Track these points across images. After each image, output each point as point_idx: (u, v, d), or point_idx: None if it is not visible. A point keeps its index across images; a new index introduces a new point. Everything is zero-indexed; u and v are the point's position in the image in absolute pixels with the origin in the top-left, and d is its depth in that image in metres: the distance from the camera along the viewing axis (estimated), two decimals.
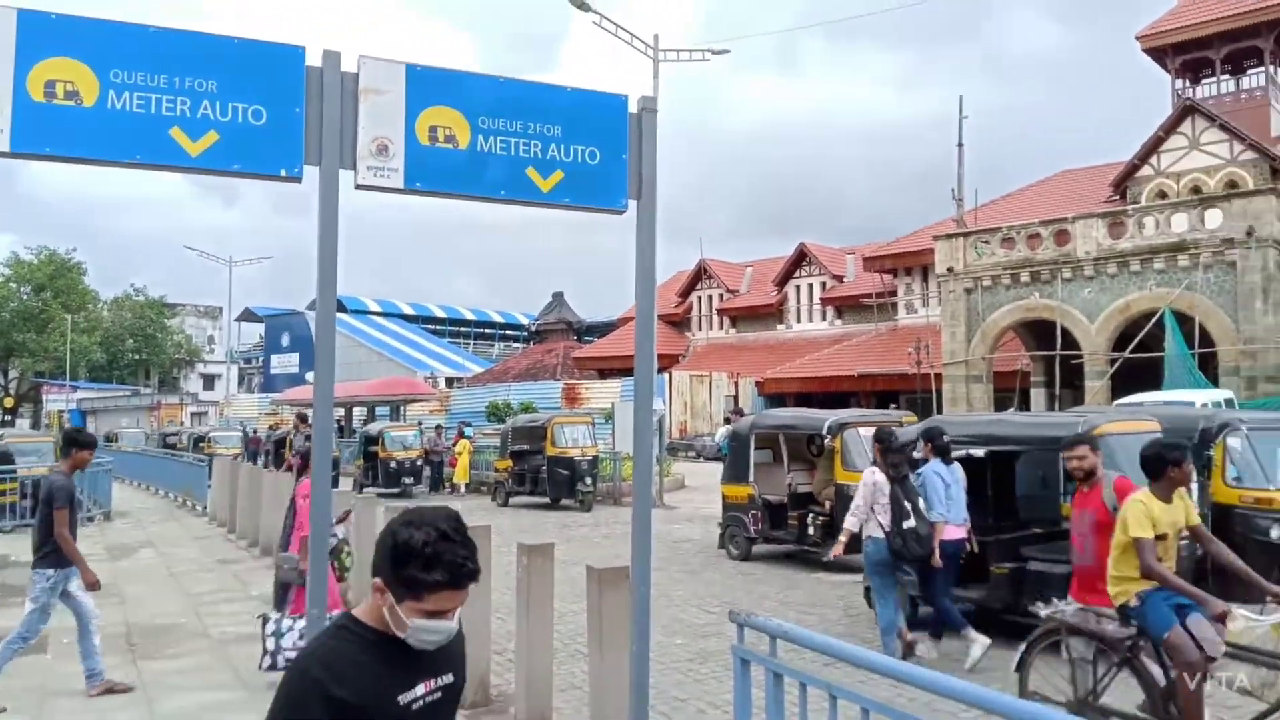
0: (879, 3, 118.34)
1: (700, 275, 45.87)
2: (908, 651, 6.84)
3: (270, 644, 6.08)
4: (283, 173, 3.26)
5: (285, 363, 57.90)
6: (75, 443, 6.45)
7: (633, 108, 3.81)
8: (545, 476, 18.40)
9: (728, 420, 10.91)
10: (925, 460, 7.41)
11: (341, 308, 63.09)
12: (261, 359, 66.02)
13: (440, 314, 73.08)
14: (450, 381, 48.92)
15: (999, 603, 7.38)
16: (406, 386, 35.41)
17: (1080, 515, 5.38)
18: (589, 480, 18.14)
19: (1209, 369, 20.43)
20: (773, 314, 42.59)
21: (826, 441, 11.43)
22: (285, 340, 59.23)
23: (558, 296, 58.71)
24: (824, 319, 40.92)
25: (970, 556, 7.89)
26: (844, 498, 10.52)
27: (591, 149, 3.70)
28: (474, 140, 3.53)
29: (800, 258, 41.58)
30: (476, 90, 3.58)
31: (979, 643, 6.89)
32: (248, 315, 67.51)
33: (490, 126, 3.55)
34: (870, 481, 7.04)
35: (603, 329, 58.18)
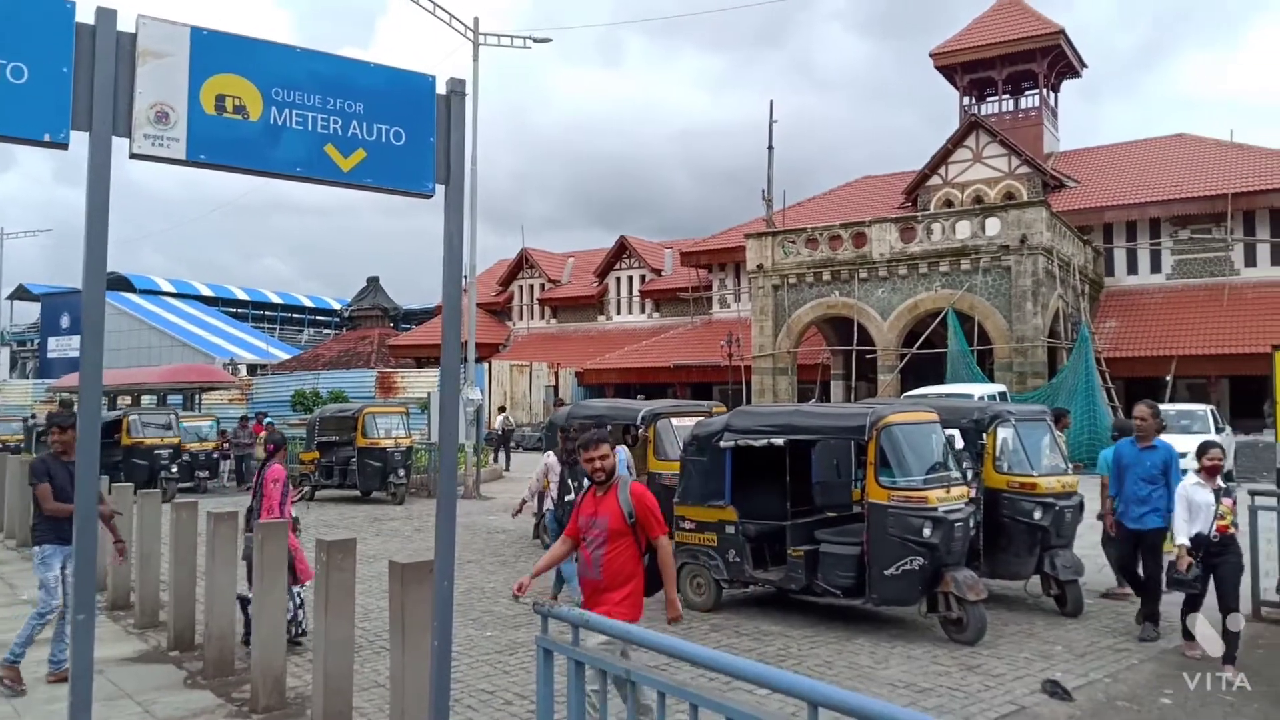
0: (696, 5, 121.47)
1: (522, 264, 45.57)
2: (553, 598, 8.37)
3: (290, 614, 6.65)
4: (46, 137, 2.94)
5: (64, 346, 52.73)
6: (58, 426, 6.66)
7: (442, 89, 3.71)
8: (355, 469, 17.74)
9: (598, 425, 10.98)
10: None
11: (128, 286, 58.21)
12: (37, 341, 59.88)
13: (243, 296, 68.85)
14: (253, 369, 46.21)
15: (795, 584, 7.77)
16: (202, 374, 33.09)
17: (591, 521, 4.57)
18: (402, 472, 17.65)
19: (986, 365, 22.34)
20: (593, 305, 42.92)
21: (640, 431, 11.64)
22: (65, 322, 53.92)
23: (373, 281, 56.70)
24: (643, 311, 41.64)
25: (771, 540, 8.29)
26: (656, 486, 10.78)
27: (397, 129, 3.57)
28: (267, 112, 3.31)
29: (621, 250, 42.11)
30: (270, 59, 3.36)
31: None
32: (22, 293, 61.08)
33: (285, 99, 3.34)
34: (545, 463, 9.49)
35: (421, 316, 56.72)
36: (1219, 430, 18.37)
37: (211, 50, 3.22)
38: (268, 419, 23.29)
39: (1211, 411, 19.10)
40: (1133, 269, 29.62)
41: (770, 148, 30.75)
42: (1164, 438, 7.79)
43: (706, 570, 8.27)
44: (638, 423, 11.56)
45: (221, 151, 3.22)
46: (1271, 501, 8.01)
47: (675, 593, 4.72)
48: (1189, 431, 17.21)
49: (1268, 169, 27.82)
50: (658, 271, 41.21)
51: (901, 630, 7.48)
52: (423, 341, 43.17)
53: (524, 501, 10.48)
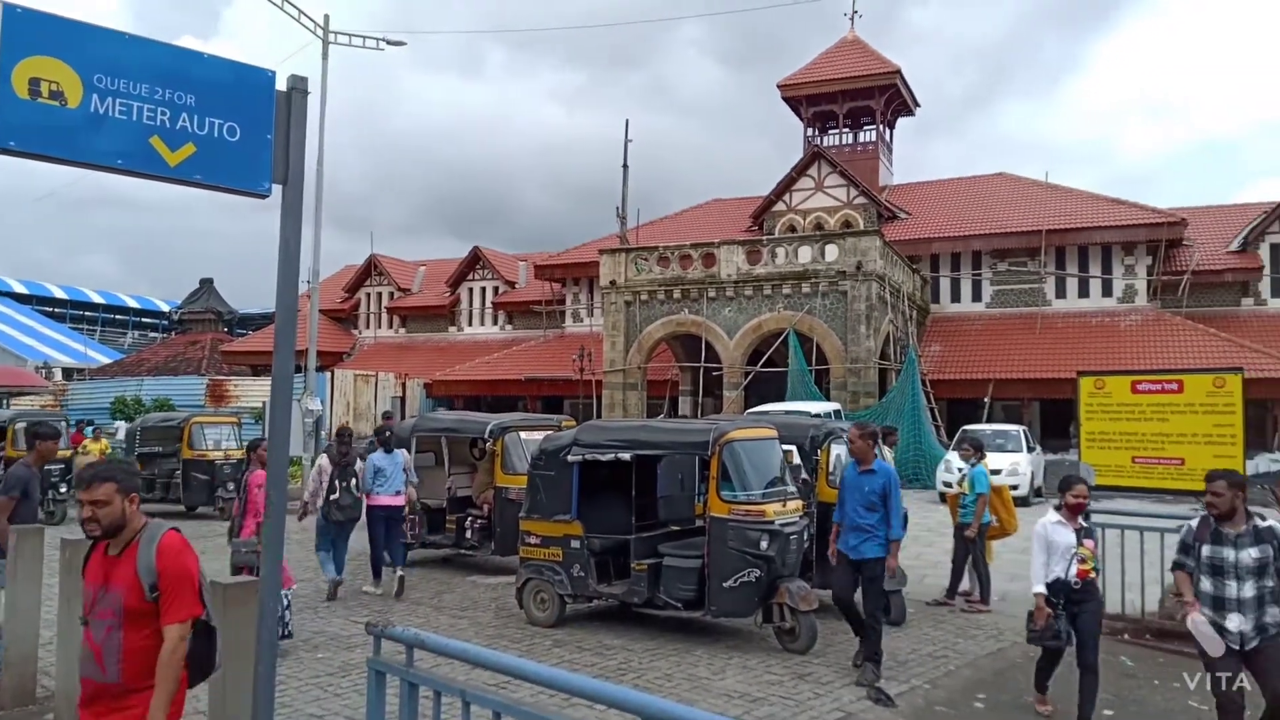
0: (555, 19, 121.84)
1: (370, 271, 44.17)
2: (332, 594, 9.40)
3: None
4: None
5: None
6: (37, 435, 6.69)
7: (283, 85, 3.56)
8: (180, 482, 16.68)
9: (380, 434, 10.74)
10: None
11: None
12: None
13: (61, 295, 63.64)
14: (69, 373, 42.74)
15: (638, 598, 7.85)
16: (10, 376, 30.34)
17: (100, 593, 3.19)
18: (231, 486, 16.71)
19: (823, 383, 23.32)
20: (444, 315, 42.09)
21: (488, 445, 11.50)
22: None
23: (206, 283, 53.57)
24: (495, 323, 41.18)
25: (616, 555, 8.35)
26: (503, 501, 10.67)
27: (231, 124, 3.39)
28: (87, 99, 3.08)
29: (474, 261, 41.51)
30: (93, 43, 3.13)
31: (376, 585, 9.87)
32: None
33: (108, 86, 3.12)
34: (318, 465, 9.69)
35: (259, 321, 54.02)
36: (1030, 449, 19.87)
37: (27, 30, 2.98)
38: (91, 426, 21.56)
39: (1024, 431, 20.64)
40: (956, 297, 31.68)
41: (625, 166, 31.16)
42: (1007, 456, 8.33)
43: (551, 585, 8.24)
44: (485, 436, 11.42)
45: (34, 139, 2.97)
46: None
47: (162, 713, 3.05)
48: (1004, 450, 18.54)
49: (1077, 209, 30.41)
50: (511, 284, 40.88)
51: (738, 641, 7.68)
52: (259, 348, 41.12)
53: (305, 505, 9.72)
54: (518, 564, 8.72)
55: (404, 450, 10.46)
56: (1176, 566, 5.37)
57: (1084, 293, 30.03)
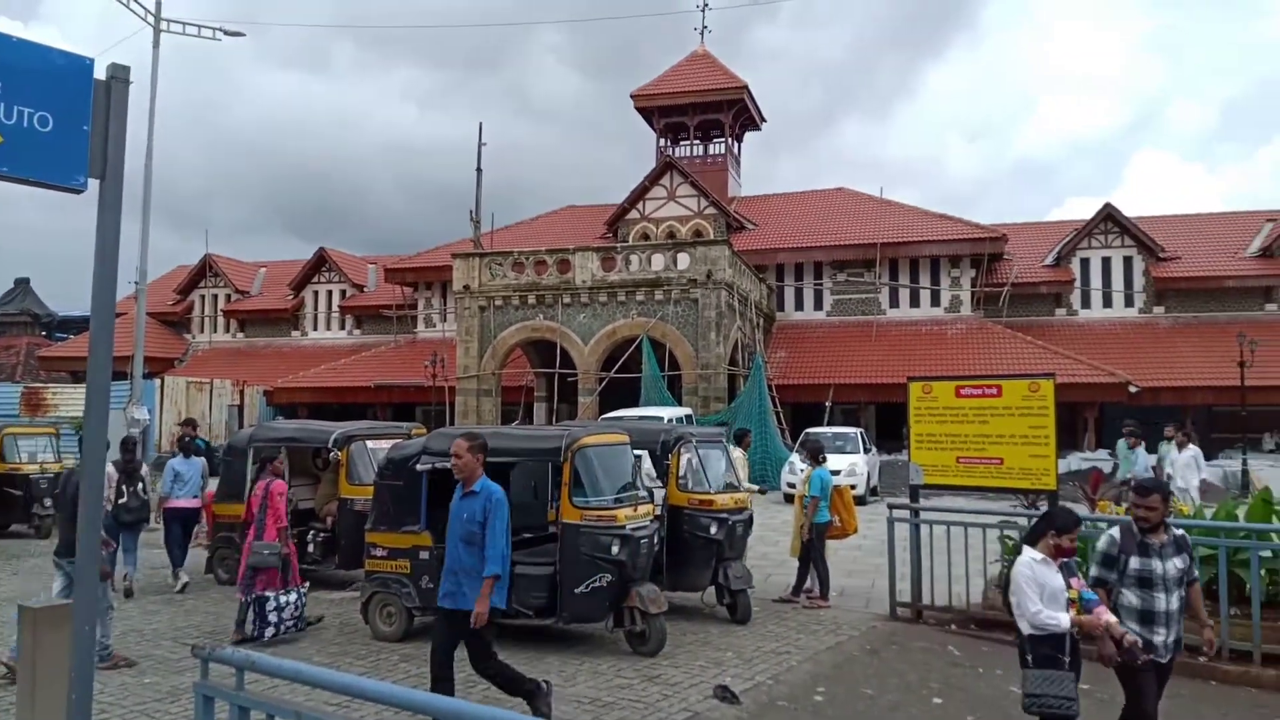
0: (408, 16, 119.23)
1: (205, 272, 41.77)
2: (129, 592, 9.81)
3: (272, 617, 7.96)
4: None
5: None
6: None
7: (102, 74, 3.34)
8: None
9: (181, 441, 11.70)
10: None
11: None
12: None
13: None
14: None
15: None
16: None
17: None
18: (49, 502, 15.42)
19: (675, 389, 23.76)
20: (287, 319, 40.31)
21: (332, 455, 11.09)
22: None
23: (22, 283, 49.38)
24: (342, 328, 39.78)
25: None
26: (348, 513, 10.30)
27: (43, 114, 3.16)
28: None
29: (320, 263, 39.95)
30: None
31: (181, 580, 10.37)
32: None
33: None
34: (105, 473, 9.50)
35: (80, 324, 50.07)
36: (867, 451, 20.87)
37: None
38: None
39: (861, 434, 21.67)
40: (800, 306, 32.97)
41: (479, 169, 30.80)
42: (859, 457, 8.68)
43: (398, 598, 8.03)
44: (330, 445, 11.01)
45: None
46: (905, 514, 9.19)
47: None
48: (843, 452, 19.40)
49: (909, 223, 32.24)
50: (360, 287, 39.60)
51: (589, 647, 7.71)
52: (80, 353, 38.16)
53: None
54: (363, 578, 8.45)
55: (203, 458, 11.46)
56: (1099, 583, 4.94)
57: (915, 302, 31.84)
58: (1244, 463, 21.75)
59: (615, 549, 7.27)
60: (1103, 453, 23.80)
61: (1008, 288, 30.77)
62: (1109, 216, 31.53)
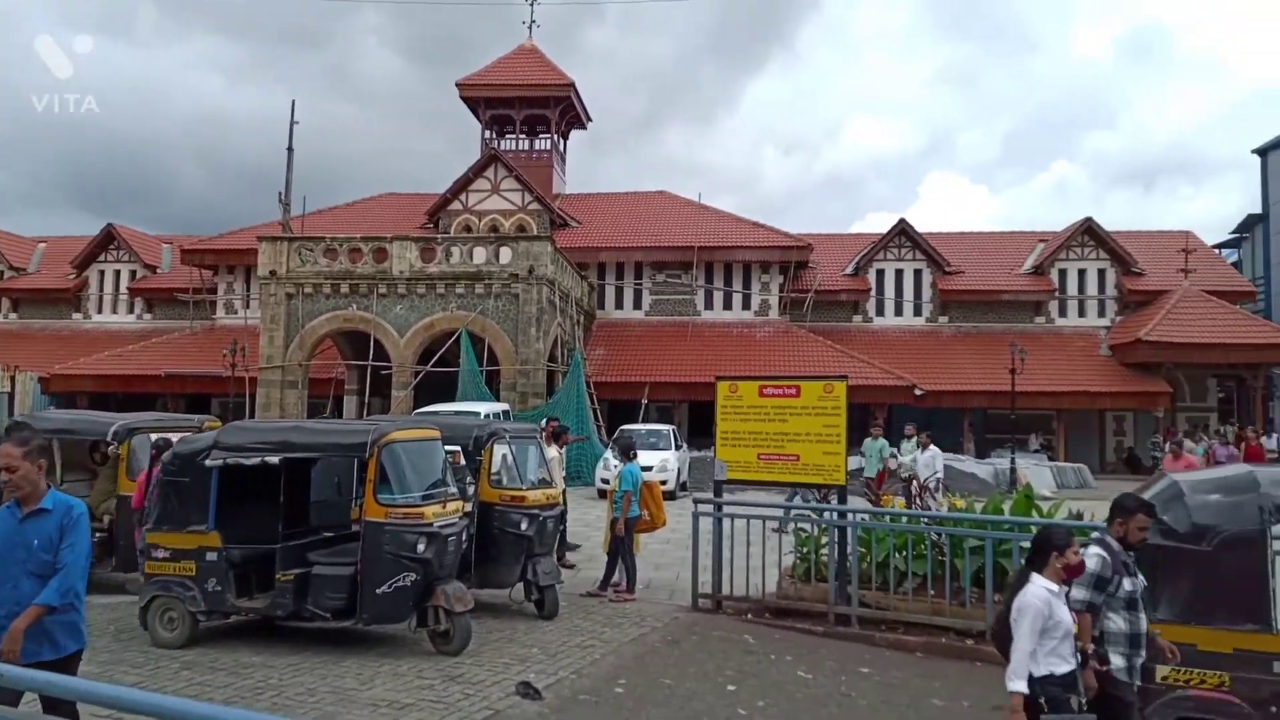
0: None
1: None
2: None
3: None
4: None
5: None
6: None
7: None
8: None
9: None
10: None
11: None
12: None
13: None
14: None
15: (283, 610, 7.43)
16: None
17: None
18: None
19: (494, 384, 23.52)
20: (68, 300, 36.81)
21: (112, 449, 10.29)
22: None
23: None
24: (131, 311, 36.74)
25: (260, 566, 7.83)
26: (128, 511, 9.59)
27: None
28: None
29: (108, 240, 36.68)
30: None
31: None
32: None
33: None
34: None
35: None
36: (678, 447, 21.47)
37: None
38: None
39: (673, 431, 22.26)
40: (620, 304, 33.46)
41: (290, 149, 29.25)
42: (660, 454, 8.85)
43: (181, 602, 7.55)
44: (109, 438, 10.22)
45: None
46: (709, 509, 9.53)
47: None
48: (656, 448, 19.87)
49: (725, 229, 33.42)
50: (153, 268, 36.70)
51: (390, 648, 7.53)
52: None
53: None
54: (142, 581, 7.89)
55: None
56: (1090, 608, 4.59)
57: (728, 305, 33.05)
58: (1012, 461, 23.94)
59: (421, 547, 7.13)
60: (889, 451, 25.56)
61: (812, 294, 32.48)
62: (903, 231, 33.89)
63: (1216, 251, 39.88)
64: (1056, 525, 4.94)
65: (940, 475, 15.46)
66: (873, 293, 33.69)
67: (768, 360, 28.33)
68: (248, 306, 33.31)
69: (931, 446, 15.53)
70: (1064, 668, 4.26)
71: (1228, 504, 5.08)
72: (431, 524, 7.24)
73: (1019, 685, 4.18)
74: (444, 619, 7.26)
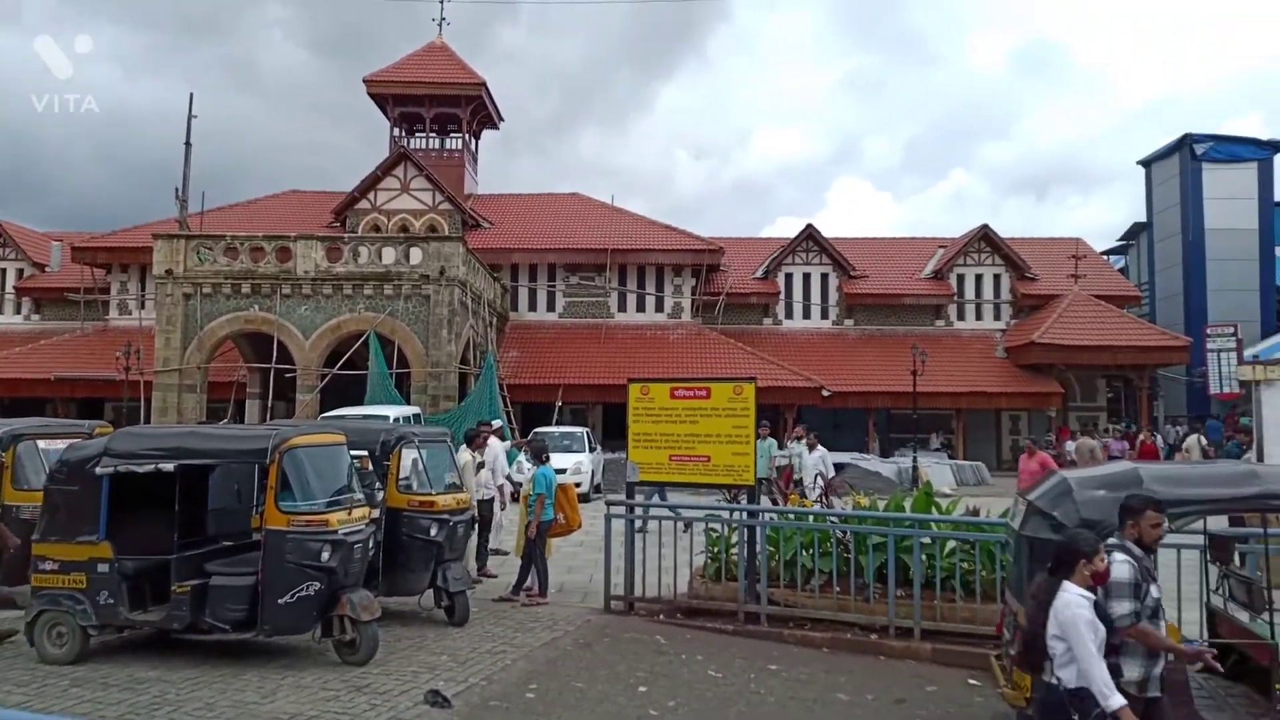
0: None
1: None
2: None
3: None
4: None
5: None
6: None
7: None
8: None
9: None
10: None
11: None
12: None
13: None
14: None
15: (179, 623, 7.17)
16: None
17: None
18: None
19: (404, 387, 23.11)
20: None
21: None
22: None
23: None
24: (18, 311, 34.85)
25: (154, 577, 7.53)
26: (14, 521, 9.08)
27: None
28: None
29: None
30: None
31: None
32: None
33: None
34: None
35: None
36: (592, 449, 21.48)
37: None
38: None
39: (587, 433, 22.28)
40: (533, 306, 33.29)
41: (188, 144, 28.11)
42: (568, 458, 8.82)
43: (71, 616, 7.19)
44: None
45: None
46: (622, 510, 9.58)
47: None
48: (570, 450, 19.85)
49: (638, 232, 33.57)
50: (41, 266, 34.88)
51: (294, 660, 7.33)
52: None
53: None
54: (29, 594, 7.49)
55: None
56: (1136, 618, 4.37)
57: (641, 308, 33.22)
58: (914, 460, 24.72)
59: (326, 555, 6.97)
60: (775, 451, 26.13)
61: (723, 297, 32.91)
62: (810, 236, 34.65)
63: (1104, 258, 41.96)
64: (1082, 533, 4.53)
65: (828, 474, 15.74)
66: (782, 296, 34.33)
67: (680, 362, 28.59)
68: (143, 307, 31.98)
69: (819, 447, 15.87)
70: (1138, 669, 4.17)
71: (1113, 499, 5.31)
72: (336, 531, 7.08)
73: (1116, 700, 3.93)
74: (350, 628, 7.10)
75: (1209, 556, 6.33)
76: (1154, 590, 4.43)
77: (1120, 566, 4.39)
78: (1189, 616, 6.69)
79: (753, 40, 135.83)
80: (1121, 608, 4.31)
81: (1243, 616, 5.84)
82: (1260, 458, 10.62)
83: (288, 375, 23.41)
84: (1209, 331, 32.19)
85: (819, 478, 15.40)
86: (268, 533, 7.05)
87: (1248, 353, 30.46)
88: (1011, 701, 5.49)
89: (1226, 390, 30.53)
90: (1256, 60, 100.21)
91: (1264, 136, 41.11)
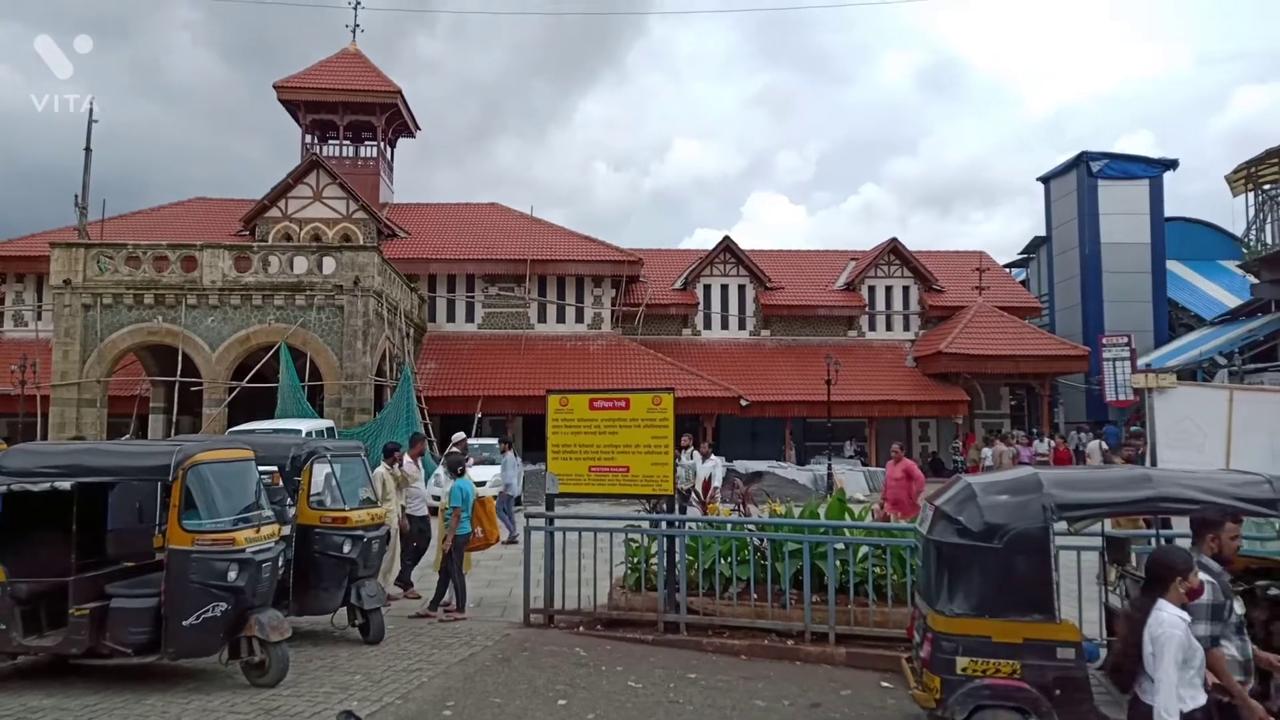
0: None
1: None
2: None
3: None
4: None
5: None
6: None
7: None
8: None
9: None
10: None
11: None
12: None
13: None
14: None
15: (77, 648, 6.85)
16: None
17: None
18: None
19: (317, 400, 22.54)
20: None
21: None
22: None
23: None
24: None
25: (50, 600, 7.18)
26: None
27: None
28: None
29: None
30: None
31: None
32: None
33: None
34: None
35: None
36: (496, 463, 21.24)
37: None
38: None
39: (502, 441, 22.03)
40: (451, 317, 32.90)
41: (88, 149, 27.03)
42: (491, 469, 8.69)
43: None
44: None
45: None
46: (541, 523, 9.51)
47: None
48: (491, 463, 19.62)
49: (557, 243, 33.50)
50: None
51: (200, 683, 7.07)
52: None
53: None
54: None
55: None
56: (1215, 642, 4.20)
57: (561, 318, 33.16)
58: (829, 467, 25.21)
59: (233, 575, 6.75)
60: (719, 459, 26.36)
61: (643, 308, 33.07)
62: (727, 248, 35.12)
63: (1007, 270, 43.59)
64: (1175, 548, 4.31)
65: (715, 483, 15.78)
66: (700, 307, 34.68)
67: (601, 373, 28.61)
68: (39, 318, 30.55)
69: (712, 456, 16.03)
70: (1199, 699, 3.96)
71: (1015, 504, 5.50)
72: (244, 550, 6.87)
73: None
74: (259, 649, 6.89)
75: (1106, 557, 6.61)
76: (1237, 607, 4.27)
77: (1207, 586, 4.23)
78: (1089, 616, 6.99)
79: (669, 55, 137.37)
80: (1200, 629, 4.16)
81: None
82: (1153, 462, 11.13)
83: (193, 389, 22.61)
84: (1105, 341, 33.67)
85: (714, 488, 15.48)
86: (171, 552, 6.80)
87: (1141, 361, 32.21)
88: (922, 703, 5.62)
89: (1121, 397, 31.96)
90: (1147, 82, 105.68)
91: (1154, 155, 43.39)
